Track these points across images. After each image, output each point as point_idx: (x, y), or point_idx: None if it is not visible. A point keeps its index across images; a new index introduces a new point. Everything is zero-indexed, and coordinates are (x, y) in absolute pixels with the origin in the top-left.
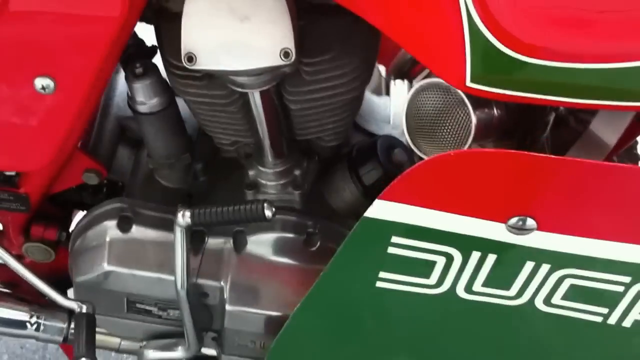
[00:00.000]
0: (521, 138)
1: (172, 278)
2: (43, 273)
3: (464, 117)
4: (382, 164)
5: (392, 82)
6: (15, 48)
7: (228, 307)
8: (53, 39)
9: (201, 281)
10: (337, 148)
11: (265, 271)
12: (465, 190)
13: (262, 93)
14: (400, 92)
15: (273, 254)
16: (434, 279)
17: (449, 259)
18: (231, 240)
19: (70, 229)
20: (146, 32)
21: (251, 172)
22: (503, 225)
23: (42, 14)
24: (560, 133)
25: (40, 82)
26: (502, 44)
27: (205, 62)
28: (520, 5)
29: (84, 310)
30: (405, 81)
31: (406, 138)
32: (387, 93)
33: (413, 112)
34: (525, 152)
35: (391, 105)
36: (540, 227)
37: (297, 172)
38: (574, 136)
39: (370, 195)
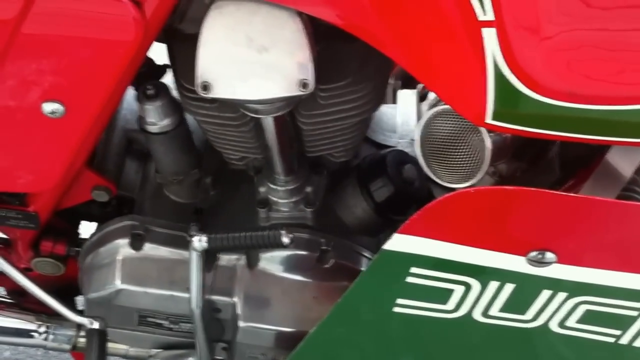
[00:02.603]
0: (532, 159)
1: (185, 295)
2: (50, 282)
3: (479, 143)
4: (392, 180)
5: (399, 90)
6: (27, 73)
7: (241, 324)
8: (64, 64)
9: (214, 297)
10: (346, 161)
11: (278, 288)
12: (485, 225)
13: (275, 117)
14: (408, 102)
15: (286, 271)
16: (451, 305)
17: (467, 287)
18: (244, 257)
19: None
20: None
21: (262, 189)
22: (523, 258)
23: (54, 37)
24: (569, 146)
25: (49, 107)
26: (526, 86)
27: (221, 92)
28: (544, 51)
29: (95, 327)
30: (414, 91)
31: (420, 163)
32: (394, 100)
33: (427, 137)
34: (545, 190)
35: (398, 115)
36: (559, 260)
37: (308, 189)
38: (583, 150)
39: (381, 212)
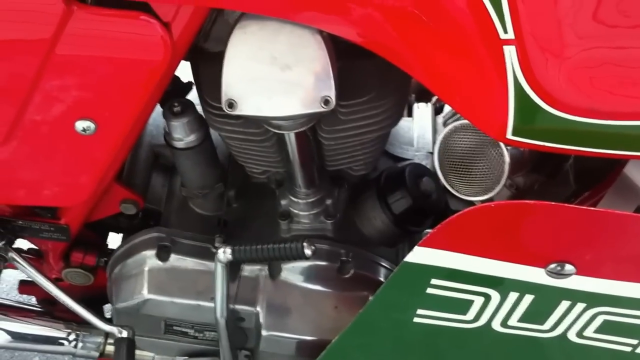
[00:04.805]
0: (549, 171)
1: (211, 304)
2: (80, 291)
3: (497, 157)
4: (410, 192)
5: (415, 105)
6: (60, 92)
7: (264, 333)
8: (96, 83)
9: (238, 307)
10: (365, 174)
11: (300, 298)
12: (505, 238)
13: (297, 132)
14: (423, 115)
15: (307, 281)
16: (470, 315)
17: (487, 298)
18: (266, 268)
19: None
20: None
21: (283, 202)
22: (542, 269)
23: (86, 58)
24: (583, 158)
25: (81, 125)
26: (546, 103)
27: (246, 109)
28: (564, 69)
29: (124, 335)
30: (429, 104)
31: (439, 176)
32: (410, 114)
33: (445, 151)
34: (565, 204)
35: (414, 128)
36: (578, 272)
37: (328, 202)
38: (597, 163)
39: (400, 223)
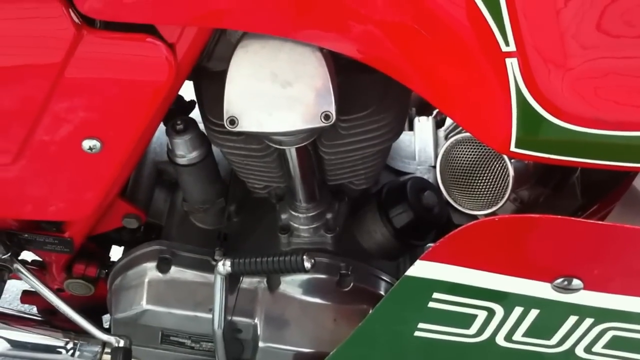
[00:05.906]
0: (555, 185)
1: (208, 316)
2: (80, 301)
3: (501, 170)
4: (411, 206)
5: (416, 118)
6: (68, 113)
7: (261, 344)
8: (103, 104)
9: (236, 318)
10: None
11: (298, 310)
12: (510, 252)
13: (298, 147)
14: (425, 128)
15: (306, 293)
16: (473, 329)
17: (491, 313)
18: (265, 280)
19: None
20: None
21: (284, 216)
22: (549, 284)
23: (94, 80)
24: (590, 171)
25: (87, 144)
26: (550, 114)
27: (247, 125)
28: (567, 79)
29: (121, 345)
30: (430, 118)
31: (442, 190)
32: (411, 128)
33: (447, 164)
34: (572, 218)
35: (416, 142)
36: (586, 287)
37: (329, 216)
38: (604, 175)
39: (401, 237)
